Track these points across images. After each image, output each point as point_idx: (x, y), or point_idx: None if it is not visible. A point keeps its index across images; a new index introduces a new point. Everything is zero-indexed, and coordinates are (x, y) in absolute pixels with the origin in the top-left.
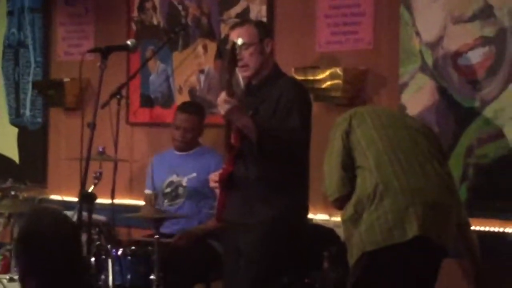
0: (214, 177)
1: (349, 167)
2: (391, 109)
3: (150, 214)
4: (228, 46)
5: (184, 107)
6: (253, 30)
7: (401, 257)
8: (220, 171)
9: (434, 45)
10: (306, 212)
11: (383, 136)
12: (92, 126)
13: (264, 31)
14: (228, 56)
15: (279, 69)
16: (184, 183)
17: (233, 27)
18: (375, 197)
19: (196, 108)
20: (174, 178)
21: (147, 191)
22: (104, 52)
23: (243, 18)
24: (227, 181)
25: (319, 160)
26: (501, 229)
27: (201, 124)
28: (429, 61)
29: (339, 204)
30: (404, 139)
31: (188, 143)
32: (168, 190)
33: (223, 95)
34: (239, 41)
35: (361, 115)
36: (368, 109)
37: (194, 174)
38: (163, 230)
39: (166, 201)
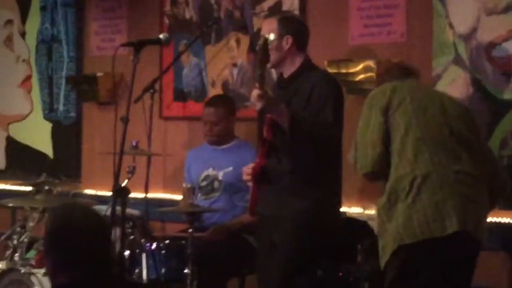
0: (247, 170)
1: (387, 144)
2: (429, 88)
3: (184, 208)
4: (260, 42)
5: (209, 101)
6: (273, 26)
7: (440, 251)
8: (253, 164)
9: (467, 37)
10: (339, 205)
11: (421, 123)
12: (126, 120)
13: (285, 27)
14: (260, 51)
15: (311, 62)
16: (220, 177)
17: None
18: (411, 189)
19: (221, 100)
20: (210, 171)
21: (184, 185)
22: (137, 46)
23: (275, 10)
24: (260, 175)
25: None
26: None
27: (229, 117)
28: (463, 53)
29: (369, 177)
30: (442, 127)
31: (219, 137)
32: (204, 183)
33: (256, 90)
34: (271, 36)
35: (401, 92)
36: (407, 87)
37: (230, 168)
38: (198, 224)
39: (200, 194)
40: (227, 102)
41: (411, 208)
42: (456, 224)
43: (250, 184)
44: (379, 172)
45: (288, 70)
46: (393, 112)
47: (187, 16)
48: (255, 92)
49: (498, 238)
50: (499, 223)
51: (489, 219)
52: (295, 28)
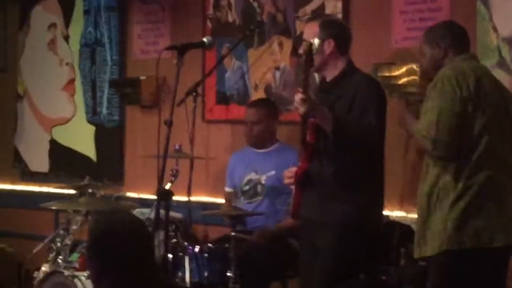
0: (288, 174)
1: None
2: (496, 79)
3: (227, 212)
4: (305, 46)
5: (251, 102)
6: (315, 30)
7: (485, 262)
8: (295, 168)
9: (511, 40)
10: (382, 209)
11: (491, 126)
12: (169, 123)
13: (327, 31)
14: (304, 56)
15: (353, 66)
16: (262, 181)
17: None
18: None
19: (263, 102)
20: (252, 175)
21: (226, 189)
22: (181, 50)
23: (318, 14)
24: (302, 179)
25: (394, 157)
26: None
27: (270, 118)
28: (507, 57)
29: (440, 147)
30: (508, 129)
31: (258, 137)
32: (247, 187)
33: (299, 94)
34: (316, 41)
35: (483, 86)
36: (483, 79)
37: (273, 172)
38: (241, 228)
39: (243, 198)
40: (269, 105)
41: (469, 211)
42: (505, 237)
43: (292, 187)
44: (450, 143)
45: (331, 74)
46: (474, 109)
47: (230, 19)
48: (299, 96)
49: None
50: None
51: None
52: (337, 32)
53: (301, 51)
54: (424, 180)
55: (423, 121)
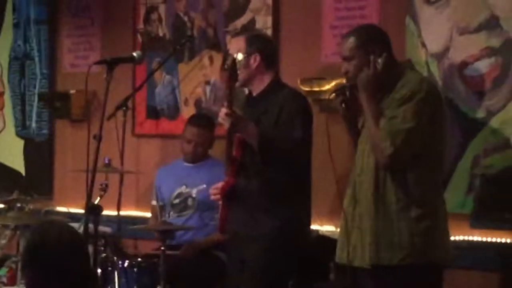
0: (215, 190)
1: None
2: None
3: (157, 227)
4: (228, 61)
5: (195, 121)
6: (241, 44)
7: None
8: (221, 183)
9: (440, 56)
10: (309, 223)
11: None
12: (98, 138)
13: (253, 45)
14: (228, 71)
15: (279, 80)
16: (193, 194)
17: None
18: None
19: (207, 121)
20: (183, 189)
21: (153, 203)
22: (110, 64)
23: (248, 29)
24: (229, 193)
25: (323, 171)
26: (508, 240)
27: (212, 137)
28: (435, 72)
29: (397, 160)
30: None
31: (199, 156)
32: (177, 201)
33: (224, 109)
34: (239, 56)
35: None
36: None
37: (204, 186)
38: (170, 242)
39: (172, 212)
40: (212, 123)
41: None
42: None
43: (219, 202)
44: (405, 155)
45: (257, 88)
46: (438, 128)
47: (161, 33)
48: (223, 111)
49: (468, 256)
50: (470, 241)
51: (460, 237)
52: (263, 46)
53: (225, 66)
54: (373, 182)
55: (392, 123)
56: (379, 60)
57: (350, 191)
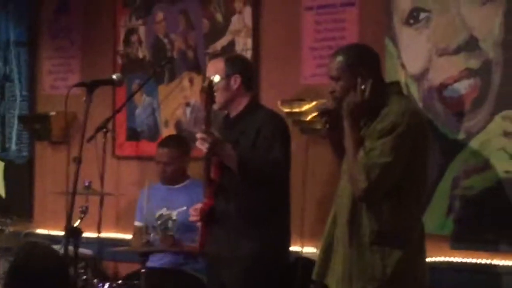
0: (193, 211)
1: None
2: None
3: (137, 248)
4: (205, 84)
5: (162, 142)
6: (220, 66)
7: None
8: (200, 205)
9: (419, 78)
10: (289, 245)
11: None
12: (78, 160)
13: (233, 67)
14: (205, 93)
15: (257, 101)
16: (174, 217)
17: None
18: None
19: (175, 141)
20: (164, 211)
21: (136, 223)
22: (89, 87)
23: (228, 51)
24: (208, 215)
25: (304, 192)
26: (488, 261)
27: (182, 157)
28: (415, 94)
29: (371, 195)
30: None
31: (172, 177)
32: (158, 223)
33: (201, 132)
34: (216, 78)
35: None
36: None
37: (184, 208)
38: (151, 263)
39: (154, 234)
40: (180, 143)
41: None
42: None
43: (198, 224)
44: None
45: (235, 110)
46: (419, 158)
47: (140, 55)
48: (200, 135)
49: (449, 278)
50: (451, 263)
51: (440, 259)
52: (243, 67)
53: (202, 88)
54: (349, 209)
55: (369, 156)
56: (366, 87)
57: (333, 211)
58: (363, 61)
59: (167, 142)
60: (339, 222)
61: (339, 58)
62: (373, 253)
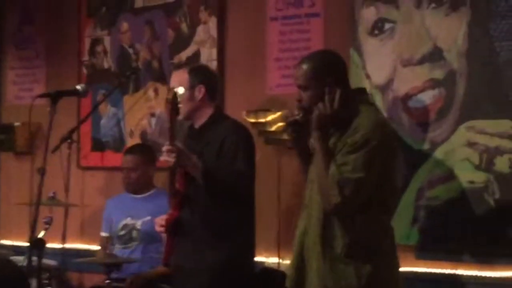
0: (160, 222)
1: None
2: None
3: (101, 259)
4: (169, 95)
5: (128, 149)
6: (184, 77)
7: None
8: (166, 216)
9: (384, 88)
10: (253, 256)
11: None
12: (42, 172)
13: (197, 77)
14: (169, 105)
15: (221, 112)
16: (138, 226)
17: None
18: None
19: (140, 148)
20: (128, 221)
21: (102, 234)
22: (54, 97)
23: (193, 61)
24: (173, 226)
25: (269, 203)
26: (453, 271)
27: (146, 164)
28: (380, 104)
29: (343, 210)
30: None
31: (136, 184)
32: (122, 233)
33: (166, 145)
34: (180, 90)
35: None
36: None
37: (149, 217)
38: (116, 274)
39: (118, 244)
40: (145, 150)
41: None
42: None
43: (164, 235)
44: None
45: (199, 120)
46: (390, 170)
47: (106, 66)
48: (165, 147)
49: (414, 287)
50: (416, 273)
51: (406, 269)
52: (206, 77)
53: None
54: (321, 222)
55: (342, 170)
56: (335, 97)
57: (303, 221)
58: (330, 69)
59: (133, 149)
60: (311, 233)
61: (306, 67)
62: (346, 265)
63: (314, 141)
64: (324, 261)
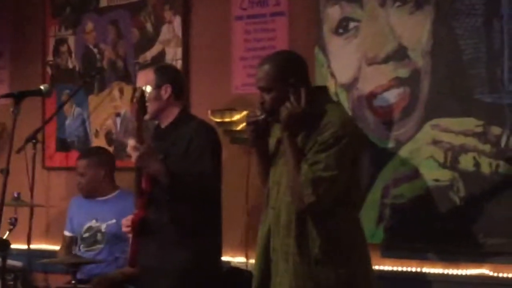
0: (126, 222)
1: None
2: None
3: (67, 260)
4: (137, 94)
5: (79, 154)
6: (150, 76)
7: None
8: (132, 216)
9: (349, 87)
10: (220, 255)
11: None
12: (6, 172)
13: (163, 77)
14: (136, 103)
15: (188, 112)
16: (103, 229)
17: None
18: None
19: (89, 152)
20: (93, 223)
21: (65, 233)
22: (17, 98)
23: (158, 61)
24: (139, 226)
25: (235, 203)
26: (418, 269)
27: (94, 167)
28: (345, 103)
29: (317, 207)
30: None
31: (88, 188)
32: (87, 235)
33: (132, 142)
34: (148, 88)
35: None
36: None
37: (114, 220)
38: (81, 276)
39: (82, 246)
40: (94, 154)
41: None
42: None
43: (129, 235)
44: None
45: (166, 120)
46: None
47: (70, 66)
48: (131, 143)
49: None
50: (381, 271)
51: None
52: (173, 77)
53: (134, 99)
54: (294, 224)
55: (314, 169)
56: (301, 96)
57: (267, 223)
58: (293, 70)
59: (82, 153)
60: (280, 234)
61: (267, 68)
62: (324, 264)
63: (283, 141)
64: (302, 262)
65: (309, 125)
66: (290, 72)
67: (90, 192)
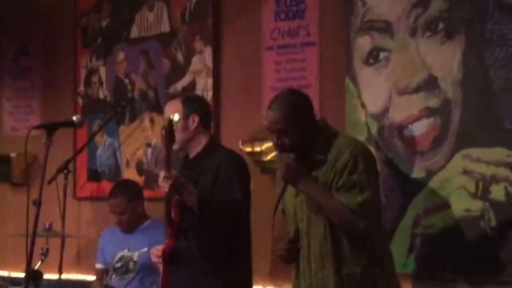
0: (156, 252)
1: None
2: None
3: None
4: (165, 123)
5: (111, 192)
6: (178, 107)
7: None
8: (162, 246)
9: (379, 117)
10: (251, 284)
11: None
12: (38, 203)
13: (190, 107)
14: (165, 133)
15: (215, 141)
16: (135, 258)
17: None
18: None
19: (121, 189)
20: (125, 252)
21: (98, 265)
22: (49, 129)
23: (188, 91)
24: (169, 256)
25: (263, 231)
26: None
27: (133, 203)
28: (375, 133)
29: (368, 230)
30: None
31: (130, 223)
32: (119, 265)
33: (162, 173)
34: (176, 117)
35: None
36: None
37: (146, 249)
38: None
39: (115, 275)
40: (127, 189)
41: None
42: None
43: (160, 266)
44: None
45: (194, 150)
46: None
47: (101, 96)
48: (162, 175)
49: None
50: None
51: None
52: (200, 107)
53: (162, 129)
54: (330, 246)
55: (351, 195)
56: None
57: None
58: (306, 108)
59: (116, 191)
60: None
61: (282, 111)
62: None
63: (303, 189)
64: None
65: (320, 160)
66: (304, 112)
67: (132, 227)
